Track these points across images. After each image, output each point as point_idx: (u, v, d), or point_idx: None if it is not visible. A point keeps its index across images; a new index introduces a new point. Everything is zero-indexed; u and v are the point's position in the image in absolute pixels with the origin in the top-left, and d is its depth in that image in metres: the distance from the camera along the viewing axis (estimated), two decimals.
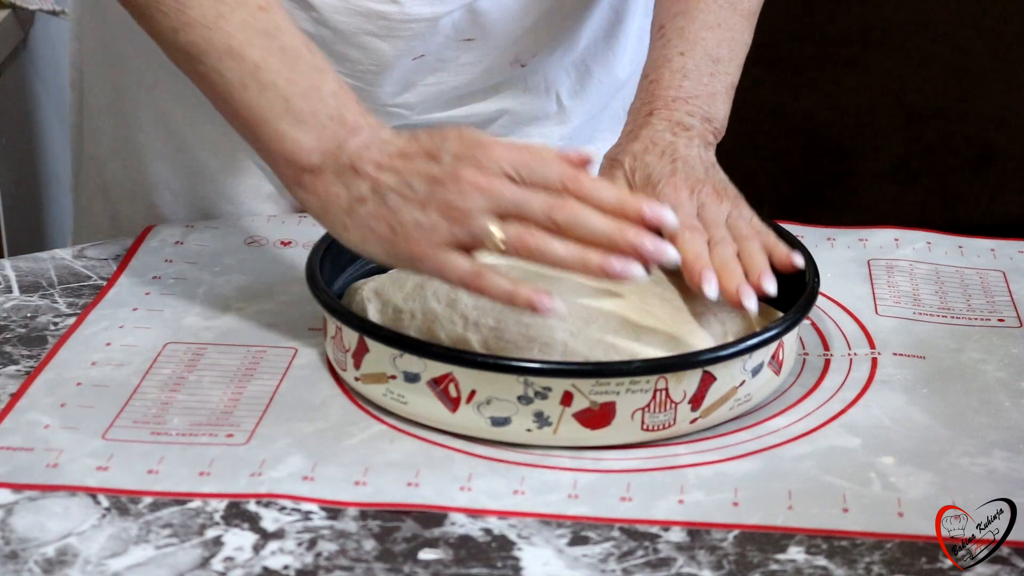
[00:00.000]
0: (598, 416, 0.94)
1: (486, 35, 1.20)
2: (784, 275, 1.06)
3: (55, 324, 1.09)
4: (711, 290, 0.97)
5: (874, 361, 1.06)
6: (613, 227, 0.91)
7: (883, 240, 1.23)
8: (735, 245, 1.01)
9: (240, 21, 0.99)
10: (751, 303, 0.97)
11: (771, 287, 0.98)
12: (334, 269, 1.07)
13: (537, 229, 0.91)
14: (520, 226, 0.91)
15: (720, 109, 1.09)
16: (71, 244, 1.35)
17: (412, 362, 0.96)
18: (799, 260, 1.02)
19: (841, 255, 1.20)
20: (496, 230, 0.91)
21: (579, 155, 0.94)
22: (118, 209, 1.33)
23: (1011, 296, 1.15)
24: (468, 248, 0.93)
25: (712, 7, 1.11)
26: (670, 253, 0.92)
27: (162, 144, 1.28)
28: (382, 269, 1.10)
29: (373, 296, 1.04)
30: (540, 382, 0.93)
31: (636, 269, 0.90)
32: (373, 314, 1.02)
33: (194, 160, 1.27)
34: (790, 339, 1.01)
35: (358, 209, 0.96)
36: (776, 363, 1.00)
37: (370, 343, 0.97)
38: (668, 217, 0.93)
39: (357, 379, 1.00)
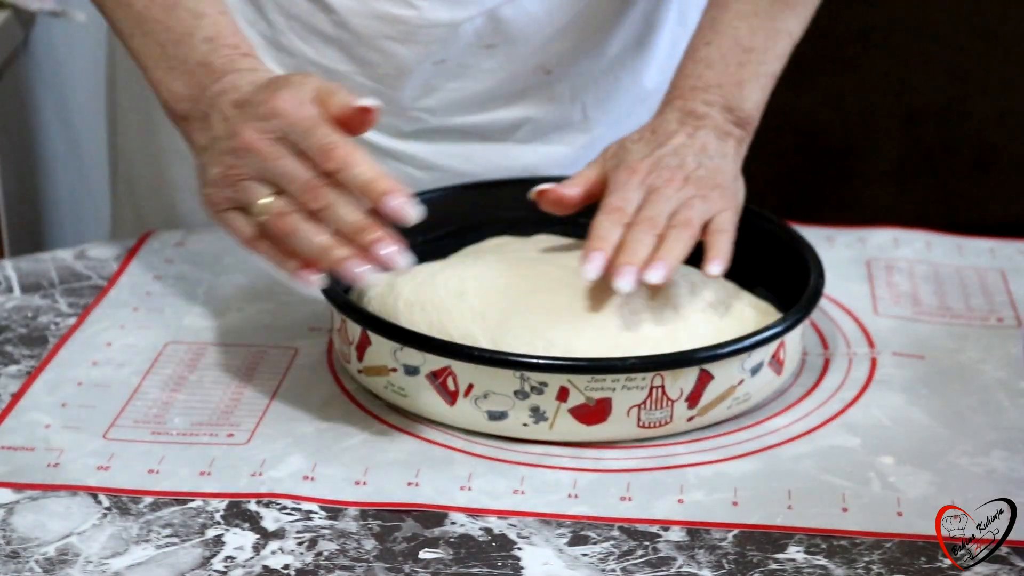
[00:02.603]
0: (594, 412, 0.95)
1: (509, 42, 1.19)
2: (788, 275, 1.06)
3: (56, 324, 1.09)
4: (590, 269, 0.96)
5: (873, 361, 1.06)
6: (358, 225, 0.90)
7: (883, 240, 1.23)
8: (656, 232, 0.99)
9: None
10: (622, 283, 0.95)
11: (654, 276, 0.96)
12: None
13: (298, 212, 0.91)
14: (286, 204, 0.91)
15: (748, 98, 1.07)
16: (110, 235, 1.36)
17: (412, 355, 0.96)
18: (716, 269, 0.99)
19: (841, 255, 1.20)
20: (265, 203, 0.92)
21: (358, 106, 0.92)
22: (141, 205, 1.33)
23: (1010, 296, 1.15)
24: (244, 210, 0.93)
25: None
26: (399, 262, 0.90)
27: (183, 143, 1.28)
28: None
29: (384, 287, 1.04)
30: (536, 377, 0.94)
31: (370, 277, 0.90)
32: (383, 306, 1.03)
33: None
34: (792, 340, 1.01)
35: (200, 159, 0.97)
36: (777, 363, 1.00)
37: (372, 336, 0.98)
38: (408, 213, 0.90)
39: (360, 371, 1.00)
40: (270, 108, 0.91)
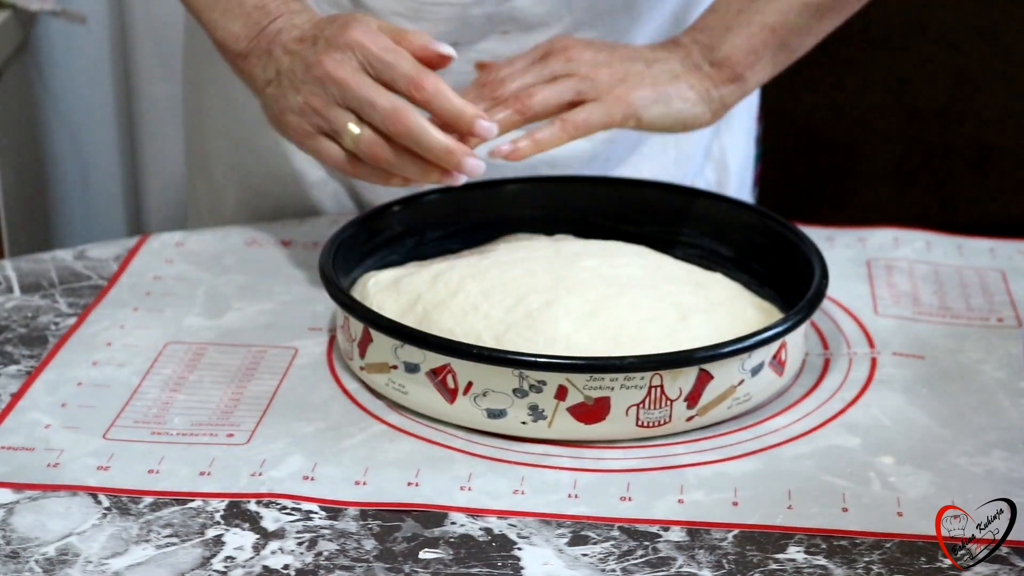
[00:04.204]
0: (592, 411, 0.95)
1: (524, 29, 1.20)
2: (794, 276, 1.06)
3: (56, 324, 1.09)
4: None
5: (873, 361, 1.06)
6: (440, 149, 0.98)
7: (883, 240, 1.23)
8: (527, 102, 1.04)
9: None
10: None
11: (485, 129, 1.00)
12: (347, 261, 1.08)
13: (386, 142, 0.99)
14: (373, 135, 0.99)
15: (729, 41, 1.09)
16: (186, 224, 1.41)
17: (412, 352, 0.96)
18: (506, 147, 1.03)
19: (841, 255, 1.20)
20: (354, 128, 0.99)
21: (439, 51, 1.01)
22: (189, 175, 1.38)
23: (1010, 296, 1.15)
24: (333, 137, 1.01)
25: None
26: (478, 171, 0.99)
27: (222, 116, 1.30)
28: (399, 261, 1.10)
29: (389, 285, 1.04)
30: (535, 376, 0.94)
31: (459, 181, 1.00)
32: (388, 303, 1.03)
33: (249, 135, 1.29)
34: (794, 340, 1.01)
35: (267, 91, 1.04)
36: (778, 364, 1.00)
37: (373, 333, 0.98)
38: (491, 132, 1.00)
39: (362, 368, 1.00)
40: (346, 40, 0.99)
